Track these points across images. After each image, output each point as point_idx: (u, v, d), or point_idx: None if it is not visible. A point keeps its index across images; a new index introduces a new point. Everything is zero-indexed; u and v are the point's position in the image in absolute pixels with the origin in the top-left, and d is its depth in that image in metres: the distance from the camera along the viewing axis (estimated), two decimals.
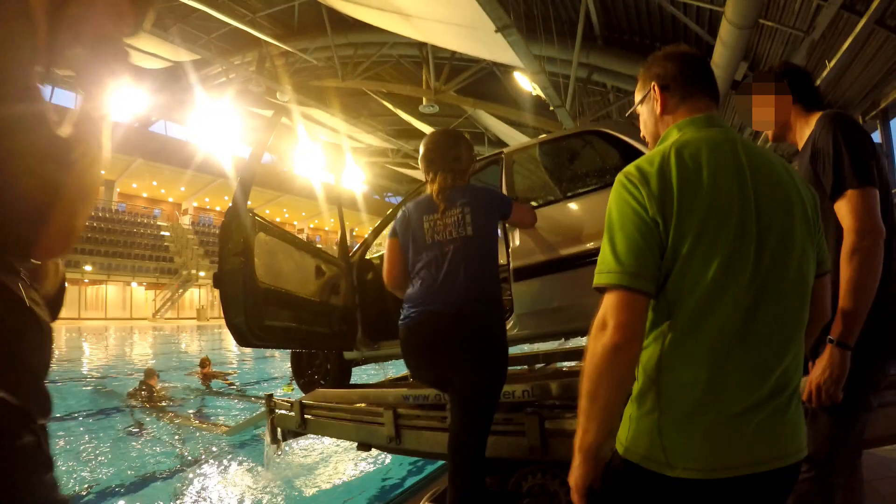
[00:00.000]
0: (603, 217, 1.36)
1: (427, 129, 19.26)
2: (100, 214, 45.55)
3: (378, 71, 18.75)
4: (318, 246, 5.12)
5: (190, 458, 7.44)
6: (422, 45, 15.62)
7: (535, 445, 3.14)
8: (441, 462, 5.22)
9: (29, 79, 0.90)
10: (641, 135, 1.67)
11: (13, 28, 0.88)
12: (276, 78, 19.06)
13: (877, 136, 9.56)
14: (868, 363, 1.95)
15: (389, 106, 20.07)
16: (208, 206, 58.90)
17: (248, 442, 7.84)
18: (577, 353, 5.32)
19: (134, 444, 8.23)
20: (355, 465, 6.83)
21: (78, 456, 7.25)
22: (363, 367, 5.39)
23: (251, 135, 25.31)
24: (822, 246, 1.46)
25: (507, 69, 13.57)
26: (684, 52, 1.57)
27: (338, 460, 7.02)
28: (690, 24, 9.50)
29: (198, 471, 6.83)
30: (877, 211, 1.90)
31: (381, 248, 4.91)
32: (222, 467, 6.98)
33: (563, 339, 5.10)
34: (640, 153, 3.21)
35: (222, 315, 3.59)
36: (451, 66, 16.18)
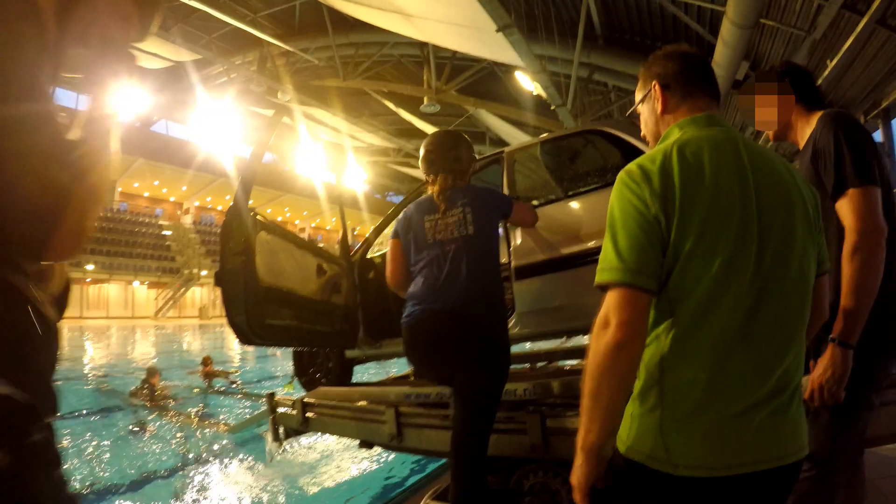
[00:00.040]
0: (604, 216, 1.35)
1: (428, 129, 19.27)
2: (102, 214, 45.58)
3: (379, 70, 18.75)
4: (320, 245, 5.11)
5: (192, 456, 7.46)
6: (423, 45, 15.62)
7: (537, 444, 3.14)
8: (443, 460, 5.23)
9: (37, 80, 0.91)
10: (642, 134, 1.67)
11: (21, 29, 0.89)
12: (277, 78, 19.08)
13: (878, 136, 9.55)
14: (870, 362, 1.94)
15: (391, 105, 20.07)
16: (210, 206, 58.93)
17: (249, 440, 7.85)
18: (578, 352, 5.33)
19: (136, 442, 8.25)
20: (358, 463, 6.84)
21: (80, 454, 7.27)
22: (365, 365, 5.38)
23: (252, 134, 25.29)
24: (822, 245, 1.46)
25: (508, 69, 13.57)
26: (685, 51, 1.58)
27: (340, 458, 7.03)
28: (692, 23, 9.49)
29: (199, 469, 6.85)
30: (878, 210, 1.89)
31: (382, 248, 4.91)
32: (224, 466, 7.00)
33: (564, 338, 5.11)
34: (641, 152, 3.21)
35: (224, 314, 3.59)
36: (453, 65, 16.18)
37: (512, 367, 3.06)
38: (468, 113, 19.11)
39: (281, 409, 4.85)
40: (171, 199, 56.23)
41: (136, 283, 47.65)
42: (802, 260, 1.35)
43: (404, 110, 19.84)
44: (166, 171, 46.60)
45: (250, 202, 3.60)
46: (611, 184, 1.38)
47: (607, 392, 1.25)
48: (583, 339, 4.71)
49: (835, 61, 7.42)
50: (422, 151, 3.17)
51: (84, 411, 10.21)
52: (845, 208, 1.93)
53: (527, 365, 5.43)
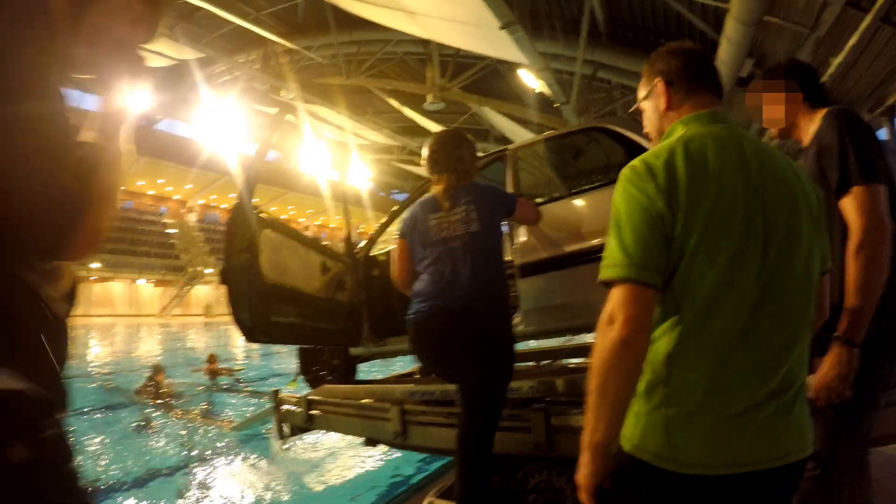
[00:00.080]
0: (608, 214, 1.35)
1: (432, 126, 19.25)
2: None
3: (382, 68, 18.72)
4: (324, 242, 5.12)
5: (196, 453, 7.47)
6: (426, 43, 15.59)
7: (541, 442, 3.14)
8: (448, 458, 5.23)
9: (49, 81, 0.92)
10: (645, 131, 1.67)
11: (34, 30, 0.91)
12: (280, 76, 19.06)
13: (883, 134, 9.51)
14: (875, 361, 1.92)
15: (394, 103, 20.05)
16: (214, 204, 59.03)
17: (254, 437, 7.87)
18: (583, 350, 5.33)
19: (140, 439, 8.27)
20: (363, 460, 6.84)
21: (85, 451, 7.29)
22: (369, 362, 5.39)
23: (256, 132, 25.33)
24: (825, 244, 1.45)
25: (511, 66, 13.53)
26: (688, 48, 1.57)
27: (345, 456, 7.03)
28: (695, 20, 9.46)
29: (204, 466, 6.86)
30: (883, 207, 1.88)
31: (386, 245, 4.92)
32: (228, 463, 7.02)
33: (568, 336, 5.11)
34: (645, 150, 3.20)
35: (229, 311, 3.61)
36: (456, 63, 16.15)
37: (516, 364, 3.07)
38: (472, 111, 19.08)
39: (285, 407, 4.86)
40: (176, 197, 56.36)
41: (140, 281, 47.82)
42: (807, 258, 1.34)
43: (408, 108, 19.82)
44: (170, 170, 46.70)
45: (254, 200, 3.61)
46: (614, 181, 1.38)
47: (613, 389, 1.24)
48: (587, 338, 4.71)
49: (839, 59, 7.39)
50: (425, 152, 3.19)
51: (88, 409, 10.23)
52: (850, 206, 1.92)
53: (531, 363, 5.43)
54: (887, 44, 7.25)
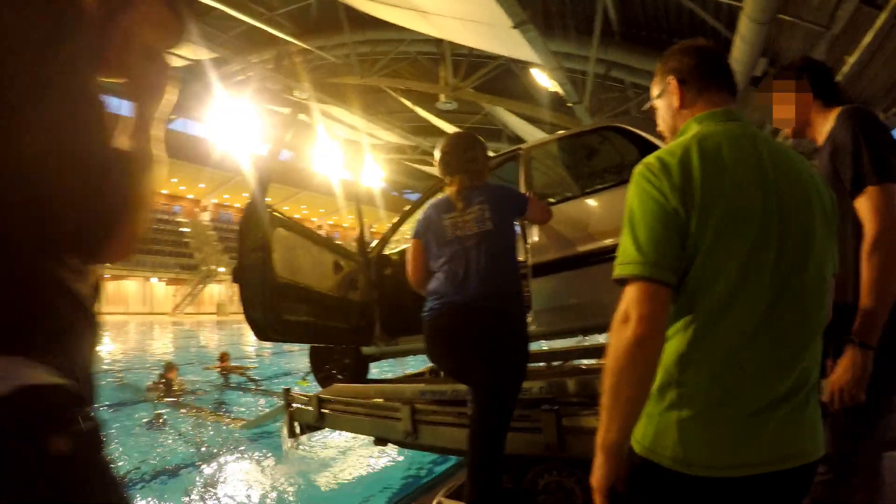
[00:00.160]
0: (621, 213, 1.34)
1: (445, 126, 19.25)
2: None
3: (396, 68, 18.73)
4: (337, 242, 5.14)
5: (207, 451, 7.51)
6: (439, 42, 15.58)
7: (552, 443, 3.14)
8: (456, 458, 5.23)
9: (89, 83, 0.95)
10: (658, 129, 1.66)
11: (73, 34, 0.94)
12: (294, 76, 19.12)
13: None
14: (889, 363, 1.90)
15: (407, 103, 20.05)
16: (227, 203, 59.29)
17: (265, 435, 7.90)
18: (595, 351, 5.31)
19: (152, 436, 8.33)
20: (376, 459, 6.85)
21: None
22: (380, 362, 5.40)
23: (269, 132, 25.42)
24: (835, 246, 1.44)
25: (524, 66, 13.50)
26: (701, 45, 1.56)
27: (357, 455, 7.05)
28: (709, 18, 9.40)
29: (214, 464, 6.90)
30: None
31: (399, 244, 4.92)
32: (239, 461, 7.05)
33: (581, 336, 5.09)
34: (658, 149, 3.19)
35: (241, 310, 3.62)
36: (469, 62, 16.14)
37: (528, 365, 3.07)
38: (485, 110, 19.09)
39: (297, 405, 4.88)
40: (189, 196, 56.67)
41: (154, 280, 48.12)
42: (821, 258, 1.33)
43: (421, 108, 19.83)
44: (184, 169, 46.89)
45: (267, 199, 3.63)
46: (627, 181, 1.37)
47: (627, 389, 1.23)
48: (599, 338, 4.70)
49: (854, 57, 7.31)
50: (438, 154, 3.23)
51: (98, 405, 10.30)
52: (864, 206, 1.90)
53: (543, 364, 5.42)
54: None
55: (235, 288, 3.68)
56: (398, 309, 4.58)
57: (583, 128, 4.35)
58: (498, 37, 10.63)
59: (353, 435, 6.07)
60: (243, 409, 10.26)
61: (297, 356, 16.69)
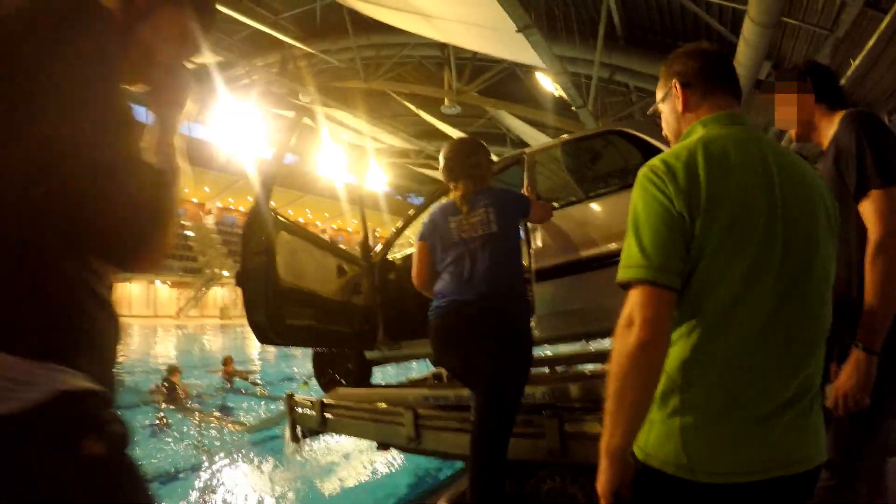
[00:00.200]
0: (625, 218, 1.33)
1: (449, 130, 19.27)
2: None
3: (400, 72, 18.76)
4: (341, 246, 5.14)
5: (210, 454, 7.50)
6: (443, 46, 15.60)
7: (555, 448, 3.12)
8: (460, 464, 5.21)
9: (118, 93, 0.98)
10: (663, 133, 1.65)
11: (101, 44, 0.96)
12: (298, 79, 19.16)
13: None
14: (894, 368, 1.88)
15: (411, 107, 20.07)
16: (232, 206, 59.37)
17: (268, 440, 7.89)
18: (598, 356, 5.29)
19: (155, 439, 8.32)
20: (378, 464, 6.83)
21: None
22: (385, 367, 5.39)
23: (274, 136, 25.47)
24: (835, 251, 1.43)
25: (528, 70, 13.51)
26: (705, 49, 1.56)
27: (360, 460, 7.03)
28: (713, 22, 9.39)
29: (217, 468, 6.89)
30: None
31: (403, 249, 4.92)
32: (242, 465, 7.04)
33: (584, 341, 5.08)
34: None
35: (245, 314, 3.62)
36: (473, 66, 16.15)
37: (531, 368, 3.07)
38: (489, 114, 19.08)
39: (300, 410, 4.87)
40: (193, 199, 56.76)
41: (158, 283, 48.19)
42: (825, 263, 1.32)
43: (425, 112, 19.84)
44: (188, 172, 46.95)
45: (271, 203, 3.63)
46: (631, 185, 1.36)
47: (631, 393, 1.22)
48: (603, 343, 4.69)
49: (858, 60, 7.29)
50: (442, 160, 3.27)
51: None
52: (868, 209, 1.88)
53: (546, 369, 5.41)
54: None
55: (239, 291, 3.68)
56: (401, 313, 4.58)
57: (587, 132, 4.35)
58: (502, 41, 10.64)
59: (355, 439, 6.07)
60: (246, 413, 10.25)
61: (301, 360, 16.71)
